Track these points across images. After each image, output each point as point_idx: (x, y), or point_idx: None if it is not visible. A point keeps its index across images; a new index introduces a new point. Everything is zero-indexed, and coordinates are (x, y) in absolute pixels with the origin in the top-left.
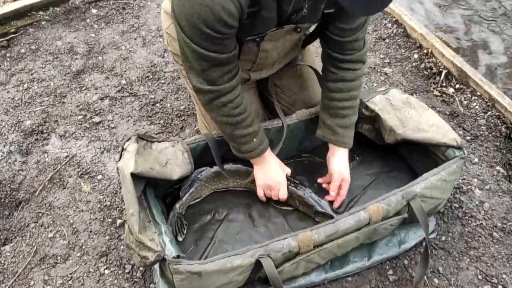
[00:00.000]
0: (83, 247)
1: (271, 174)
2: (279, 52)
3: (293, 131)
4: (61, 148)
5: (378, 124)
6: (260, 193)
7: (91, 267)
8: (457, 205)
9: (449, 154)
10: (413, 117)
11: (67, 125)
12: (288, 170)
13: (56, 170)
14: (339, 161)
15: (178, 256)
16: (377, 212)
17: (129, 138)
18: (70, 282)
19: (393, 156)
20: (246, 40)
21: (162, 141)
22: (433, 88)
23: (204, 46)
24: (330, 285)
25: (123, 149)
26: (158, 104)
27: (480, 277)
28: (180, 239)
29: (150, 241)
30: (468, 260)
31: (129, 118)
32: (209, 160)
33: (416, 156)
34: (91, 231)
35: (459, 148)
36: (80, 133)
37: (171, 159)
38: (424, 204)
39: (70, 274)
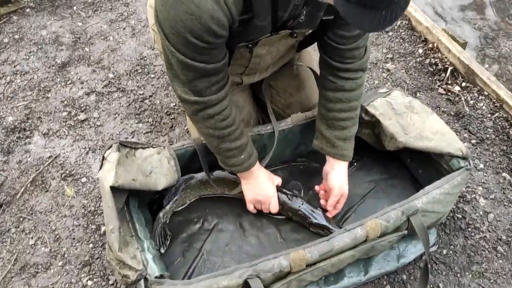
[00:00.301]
0: (65, 255)
1: (260, 190)
2: (273, 57)
3: (287, 136)
4: (44, 148)
5: (378, 130)
6: (250, 207)
7: (73, 278)
8: (460, 216)
9: (453, 164)
10: (416, 123)
11: (51, 123)
12: (278, 181)
13: (38, 171)
14: (339, 175)
15: (161, 276)
16: (375, 229)
17: (110, 146)
18: None
19: (393, 162)
20: (237, 46)
21: (147, 147)
22: (438, 85)
23: (190, 56)
24: None
25: (103, 158)
26: (147, 101)
27: None
28: (162, 251)
29: (131, 259)
30: (470, 276)
31: (116, 115)
32: (197, 166)
33: (418, 163)
34: (74, 239)
35: (464, 158)
36: (64, 132)
37: (156, 168)
38: (425, 219)
39: (52, 284)
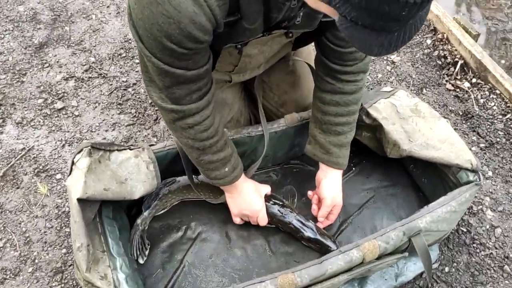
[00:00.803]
0: (36, 261)
1: (246, 204)
2: (266, 56)
3: (280, 138)
4: (17, 139)
5: (380, 134)
6: (236, 220)
7: (44, 286)
8: (464, 229)
9: (461, 177)
10: (422, 129)
11: (25, 110)
12: (267, 191)
13: (10, 164)
14: (331, 185)
15: None
16: (373, 252)
17: (81, 150)
18: None
19: (395, 168)
20: (224, 47)
21: (124, 149)
22: (446, 80)
23: (167, 61)
24: None
25: (73, 163)
26: (130, 89)
27: None
28: (141, 261)
29: (100, 279)
30: None
31: (97, 104)
32: (180, 169)
33: (422, 171)
34: (45, 242)
35: (474, 171)
36: (40, 121)
37: (133, 174)
38: (428, 238)
39: None
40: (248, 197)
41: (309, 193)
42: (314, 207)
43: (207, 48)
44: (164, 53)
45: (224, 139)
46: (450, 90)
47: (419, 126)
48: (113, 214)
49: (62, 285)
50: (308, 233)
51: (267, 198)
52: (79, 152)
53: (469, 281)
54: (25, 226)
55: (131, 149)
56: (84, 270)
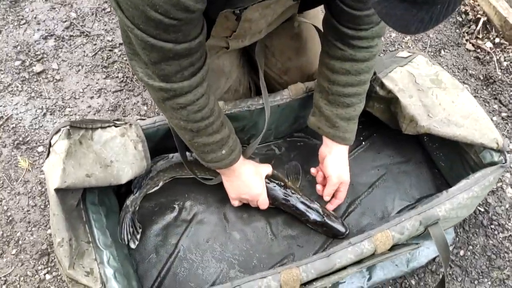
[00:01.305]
0: (20, 242)
1: (245, 187)
2: (268, 21)
3: (283, 110)
4: None
5: (395, 108)
6: (234, 203)
7: (29, 270)
8: (482, 209)
9: (484, 157)
10: (443, 103)
11: (2, 74)
12: (268, 171)
13: None
14: (337, 161)
15: None
16: (386, 243)
17: (58, 130)
18: (4, 287)
19: (409, 141)
20: (220, 13)
21: (108, 126)
22: (466, 39)
23: (153, 34)
24: None
25: (50, 145)
26: (116, 50)
27: None
28: (133, 246)
29: (85, 275)
30: (490, 283)
31: (80, 67)
32: (173, 145)
33: (439, 146)
34: (29, 222)
35: (499, 151)
36: (18, 86)
37: (119, 155)
38: (444, 224)
39: (4, 276)
40: (247, 181)
41: (313, 170)
42: (318, 187)
43: (200, 16)
44: (148, 25)
45: (221, 120)
46: (470, 51)
47: (439, 99)
48: (99, 198)
49: (49, 268)
50: (314, 216)
51: (268, 178)
52: (56, 133)
53: (485, 266)
54: (7, 204)
55: (116, 126)
56: (67, 267)
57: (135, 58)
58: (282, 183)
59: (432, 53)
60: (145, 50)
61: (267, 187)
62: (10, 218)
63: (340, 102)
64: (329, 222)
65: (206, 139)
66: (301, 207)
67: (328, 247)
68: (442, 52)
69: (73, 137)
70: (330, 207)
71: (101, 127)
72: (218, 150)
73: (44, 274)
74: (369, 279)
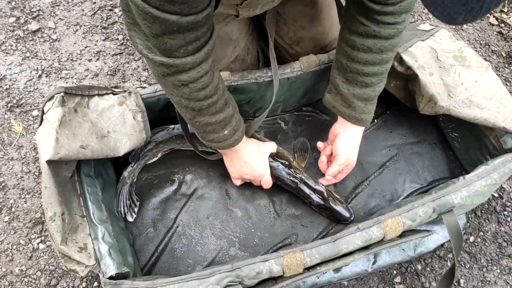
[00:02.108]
0: (13, 209)
1: (247, 168)
2: None
3: (293, 84)
4: None
5: (414, 86)
6: (236, 182)
7: (22, 238)
8: (496, 194)
9: (504, 142)
10: (465, 82)
11: None
12: (272, 149)
13: None
14: (350, 142)
15: (117, 276)
16: (396, 230)
17: (52, 97)
18: None
19: (423, 120)
20: None
21: (106, 93)
22: (490, 13)
23: (156, 4)
24: None
25: (43, 112)
26: (116, 10)
27: None
28: (131, 219)
29: (79, 251)
30: (499, 271)
31: (77, 27)
32: (174, 115)
33: (456, 126)
34: (23, 189)
35: None
36: (12, 45)
37: (117, 125)
38: (458, 211)
39: None
40: (250, 162)
41: (320, 144)
42: (323, 158)
43: None
44: None
45: (225, 98)
46: (493, 25)
47: (462, 78)
48: (95, 170)
49: (42, 238)
50: (318, 200)
51: (272, 157)
52: (49, 100)
53: (495, 253)
54: (0, 169)
55: (114, 94)
56: (59, 242)
57: (135, 29)
58: (287, 163)
59: (454, 27)
60: (146, 22)
61: (270, 166)
62: (3, 184)
63: (359, 81)
64: (333, 206)
65: (209, 119)
66: (305, 189)
67: (333, 229)
68: (465, 25)
69: (67, 105)
70: (325, 182)
71: (98, 95)
72: (220, 130)
73: (38, 244)
74: (374, 262)
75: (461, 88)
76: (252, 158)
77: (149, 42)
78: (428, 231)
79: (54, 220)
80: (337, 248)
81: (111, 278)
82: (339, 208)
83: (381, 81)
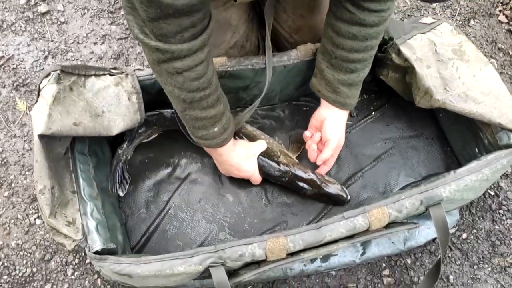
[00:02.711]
0: (13, 185)
1: (234, 170)
2: None
3: (290, 72)
4: None
5: (411, 78)
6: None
7: (20, 213)
8: (492, 192)
9: (500, 138)
10: (463, 76)
11: (6, 12)
12: (261, 149)
13: None
14: (337, 124)
15: (103, 251)
16: (381, 220)
17: (49, 74)
18: None
19: (422, 114)
20: None
21: (103, 74)
22: (500, 10)
23: None
24: (308, 279)
25: (39, 89)
26: None
27: None
28: (121, 194)
29: (67, 225)
30: (490, 269)
31: (85, 11)
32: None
33: (453, 121)
34: (23, 166)
35: None
36: (21, 26)
37: (112, 106)
38: (448, 205)
39: None
40: (237, 164)
41: (307, 133)
42: (314, 146)
43: None
44: None
45: (217, 94)
46: (502, 22)
47: (460, 72)
48: (89, 148)
49: (39, 213)
50: (311, 189)
51: (262, 155)
52: (46, 76)
53: (487, 251)
54: (2, 146)
55: (111, 75)
56: (47, 215)
57: (133, 13)
58: (275, 159)
59: (461, 22)
60: (142, 5)
61: (259, 164)
62: (5, 160)
63: (343, 68)
64: (328, 191)
65: (199, 113)
66: (297, 182)
67: (323, 218)
68: (472, 21)
69: (63, 83)
70: (318, 171)
71: (95, 75)
72: (210, 127)
73: (35, 219)
74: (363, 254)
75: (458, 82)
76: (239, 162)
77: (146, 27)
78: (415, 223)
79: (44, 193)
80: (320, 235)
81: (97, 253)
82: (334, 191)
83: (365, 67)
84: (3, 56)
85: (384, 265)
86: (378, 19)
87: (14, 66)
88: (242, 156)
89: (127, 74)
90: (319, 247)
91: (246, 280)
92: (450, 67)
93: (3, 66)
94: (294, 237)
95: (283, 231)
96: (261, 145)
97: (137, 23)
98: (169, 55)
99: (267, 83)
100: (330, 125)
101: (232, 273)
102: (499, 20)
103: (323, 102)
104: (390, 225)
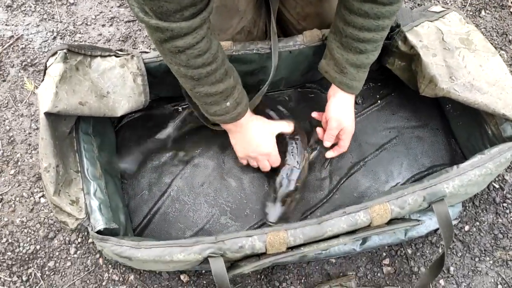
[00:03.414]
0: (19, 163)
1: (253, 146)
2: None
3: (296, 58)
4: (6, 24)
5: (416, 66)
6: (242, 162)
7: (25, 191)
8: (497, 185)
9: (504, 130)
10: (469, 65)
11: None
12: (282, 128)
13: None
14: (339, 105)
15: (106, 231)
16: (383, 216)
17: (55, 53)
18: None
19: (428, 105)
20: None
21: (108, 55)
22: None
23: None
24: (308, 265)
25: (46, 67)
26: None
27: (500, 287)
28: None
29: (70, 204)
30: (491, 262)
31: None
32: (176, 82)
33: (460, 113)
34: (29, 145)
35: None
36: (31, 6)
37: (117, 87)
38: (451, 200)
39: (1, 195)
40: (256, 138)
41: (314, 114)
42: (318, 130)
43: None
44: None
45: (225, 68)
46: None
47: (466, 61)
48: (94, 129)
49: (44, 192)
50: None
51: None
52: (53, 55)
53: (489, 244)
54: (9, 125)
55: (117, 56)
56: (52, 193)
57: None
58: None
59: (471, 13)
60: None
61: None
62: (12, 138)
63: (353, 47)
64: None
65: (209, 89)
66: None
67: (323, 206)
68: (483, 12)
69: (69, 62)
70: (331, 154)
71: (101, 56)
72: (222, 102)
73: (39, 198)
74: (363, 243)
75: (463, 71)
76: (257, 134)
77: (146, 5)
78: (418, 220)
79: (49, 171)
80: (321, 230)
81: (99, 232)
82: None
83: (375, 49)
84: (12, 36)
85: (384, 254)
86: None
87: (23, 46)
88: (260, 128)
89: (132, 56)
90: (319, 241)
91: (246, 272)
92: (457, 56)
93: (12, 46)
94: (294, 231)
95: (284, 225)
96: (282, 124)
97: (137, 1)
98: (169, 33)
99: (273, 68)
100: (331, 105)
101: (232, 264)
102: (511, 12)
103: (330, 87)
104: (392, 221)
